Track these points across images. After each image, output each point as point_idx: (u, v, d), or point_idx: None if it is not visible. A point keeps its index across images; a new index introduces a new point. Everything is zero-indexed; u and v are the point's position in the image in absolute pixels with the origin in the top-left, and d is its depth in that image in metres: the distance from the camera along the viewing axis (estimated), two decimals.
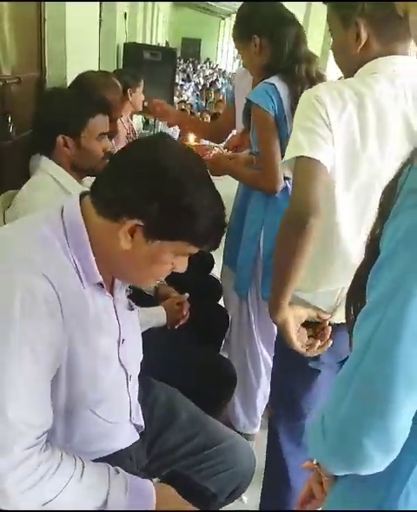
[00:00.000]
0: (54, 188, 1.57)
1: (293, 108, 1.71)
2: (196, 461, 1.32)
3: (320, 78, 1.79)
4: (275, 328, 1.99)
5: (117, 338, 1.11)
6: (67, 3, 2.44)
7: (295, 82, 1.74)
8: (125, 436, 1.22)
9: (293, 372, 1.41)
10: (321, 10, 5.80)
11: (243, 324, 2.10)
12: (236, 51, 2.29)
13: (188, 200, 0.96)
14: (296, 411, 1.46)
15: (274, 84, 1.75)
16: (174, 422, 1.36)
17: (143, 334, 1.66)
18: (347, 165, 1.16)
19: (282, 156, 1.65)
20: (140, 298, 1.88)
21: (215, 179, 1.11)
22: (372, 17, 1.13)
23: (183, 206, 0.96)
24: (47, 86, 2.42)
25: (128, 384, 1.17)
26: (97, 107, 1.66)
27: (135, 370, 1.21)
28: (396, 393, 0.62)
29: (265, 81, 1.78)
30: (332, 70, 1.97)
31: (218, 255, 2.65)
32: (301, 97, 1.19)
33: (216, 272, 2.59)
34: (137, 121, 8.00)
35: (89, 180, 1.75)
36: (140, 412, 1.28)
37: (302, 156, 1.12)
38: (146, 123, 8.83)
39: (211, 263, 2.58)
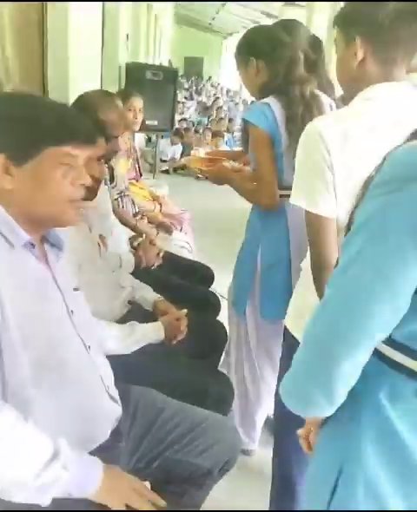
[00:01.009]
0: None
1: (287, 128, 1.78)
2: (184, 444, 1.37)
3: (313, 98, 1.84)
4: (276, 345, 2.04)
5: (65, 309, 1.18)
6: (70, 26, 2.50)
7: (290, 102, 1.81)
8: (106, 410, 1.27)
9: None
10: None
11: (241, 340, 2.12)
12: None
13: (24, 110, 1.08)
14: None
15: (268, 104, 1.81)
16: (158, 417, 1.40)
17: (141, 350, 1.70)
18: (355, 193, 1.20)
19: (276, 172, 1.77)
20: (138, 312, 1.91)
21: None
22: (370, 37, 1.17)
23: (21, 116, 1.07)
24: None
25: (88, 353, 1.23)
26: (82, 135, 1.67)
27: (93, 343, 1.26)
28: (337, 349, 0.75)
29: (261, 101, 1.84)
30: None
31: (219, 271, 2.69)
32: (304, 131, 1.24)
33: (217, 286, 2.62)
34: (139, 138, 8.11)
35: None
36: (114, 388, 1.33)
37: (309, 211, 1.22)
38: (148, 141, 8.93)
39: (211, 278, 2.61)
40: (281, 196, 1.84)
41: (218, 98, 15.77)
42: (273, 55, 1.86)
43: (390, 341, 0.79)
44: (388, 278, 0.72)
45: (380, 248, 0.73)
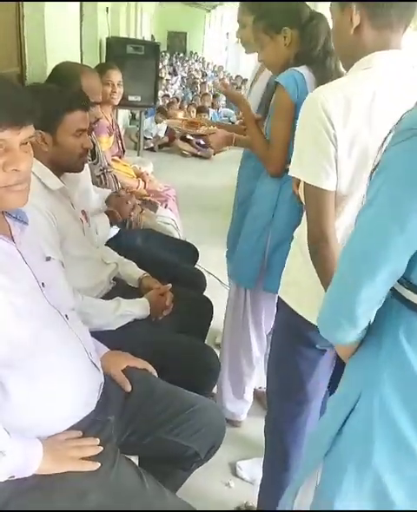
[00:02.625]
0: (37, 187, 1.56)
1: None
2: (174, 425, 1.39)
3: (340, 74, 1.76)
4: (266, 318, 2.05)
5: (36, 282, 1.18)
6: (47, 2, 2.44)
7: (325, 75, 1.75)
8: (90, 377, 1.29)
9: (299, 355, 1.43)
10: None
11: (239, 313, 2.14)
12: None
13: None
14: (301, 397, 1.48)
15: (302, 73, 1.76)
16: (152, 394, 1.43)
17: (127, 325, 1.71)
18: (356, 163, 1.20)
19: (290, 137, 1.68)
20: (123, 289, 1.92)
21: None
22: (365, 4, 1.16)
23: None
24: (28, 82, 2.43)
25: (66, 322, 1.25)
26: (75, 102, 1.65)
27: (68, 311, 1.28)
28: (357, 276, 0.88)
29: (293, 68, 1.78)
30: None
31: (205, 247, 2.69)
32: (305, 102, 1.22)
33: (202, 263, 2.62)
34: (124, 115, 8.00)
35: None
36: (96, 355, 1.35)
37: (309, 184, 1.21)
38: (133, 118, 8.82)
39: (195, 256, 2.61)
40: None
41: (205, 74, 15.56)
42: (310, 25, 1.81)
43: (408, 284, 0.89)
44: (401, 216, 0.82)
45: (397, 188, 0.83)
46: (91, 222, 2.01)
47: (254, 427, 2.12)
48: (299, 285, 1.39)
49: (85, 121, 1.69)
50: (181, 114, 5.91)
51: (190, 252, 2.61)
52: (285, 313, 1.43)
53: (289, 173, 1.27)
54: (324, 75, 1.75)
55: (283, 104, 1.78)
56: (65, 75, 2.14)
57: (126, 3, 7.25)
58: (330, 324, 0.97)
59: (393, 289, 0.92)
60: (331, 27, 1.32)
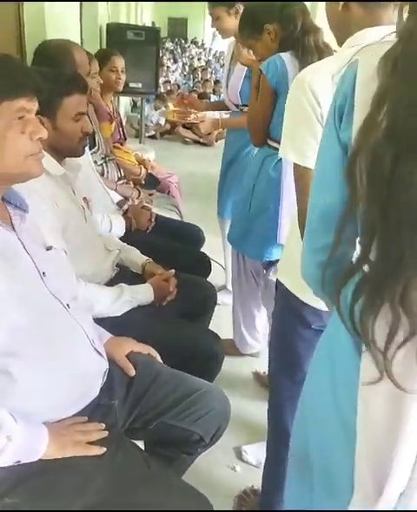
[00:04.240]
0: None
1: None
2: (179, 410, 1.39)
3: (327, 47, 1.92)
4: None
5: (36, 271, 1.18)
6: None
7: (305, 54, 1.89)
8: (94, 365, 1.30)
9: (297, 335, 1.44)
10: None
11: (241, 267, 2.36)
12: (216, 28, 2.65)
13: None
14: (299, 377, 1.47)
15: (281, 56, 1.90)
16: (157, 378, 1.43)
17: (131, 311, 1.71)
18: None
19: (269, 118, 1.99)
20: (127, 275, 1.92)
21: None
22: None
23: None
24: None
25: (68, 311, 1.24)
26: (73, 85, 1.64)
27: (70, 300, 1.27)
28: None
29: (278, 54, 1.92)
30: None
31: (207, 234, 2.69)
32: (294, 80, 1.22)
33: (206, 249, 2.62)
34: (125, 103, 7.95)
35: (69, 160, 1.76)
36: (99, 343, 1.36)
37: (298, 164, 1.22)
38: (134, 106, 8.77)
39: (201, 239, 2.63)
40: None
41: (208, 61, 15.39)
42: (283, 13, 1.96)
43: None
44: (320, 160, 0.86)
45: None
46: (106, 218, 2.05)
47: (258, 411, 2.12)
48: (294, 267, 1.40)
49: (84, 104, 1.69)
50: (171, 105, 5.98)
51: (196, 235, 2.63)
52: (282, 294, 1.45)
53: (279, 154, 1.28)
54: (304, 54, 1.89)
55: (262, 85, 1.96)
56: (56, 52, 2.11)
57: None
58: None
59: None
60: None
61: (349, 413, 0.82)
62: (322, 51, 1.90)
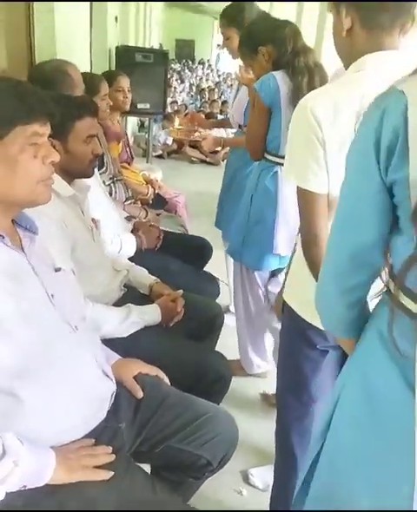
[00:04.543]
0: None
1: (291, 98, 2.00)
2: (187, 433, 1.38)
3: (318, 67, 2.06)
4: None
5: (45, 293, 1.17)
6: (56, 10, 2.46)
7: (295, 74, 2.02)
8: (101, 388, 1.29)
9: (303, 356, 1.45)
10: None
11: (244, 284, 2.37)
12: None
13: None
14: (305, 397, 1.49)
15: (274, 76, 2.03)
16: (164, 401, 1.42)
17: (138, 332, 1.71)
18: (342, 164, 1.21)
19: (265, 134, 2.10)
20: (134, 296, 1.92)
21: None
22: (355, 5, 1.17)
23: None
24: None
25: (76, 333, 1.23)
26: (84, 109, 1.67)
27: (78, 322, 1.27)
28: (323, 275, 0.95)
29: (271, 73, 2.06)
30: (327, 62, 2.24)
31: (213, 253, 2.69)
32: (297, 106, 1.24)
33: (213, 269, 2.62)
34: (133, 123, 8.03)
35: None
36: (107, 365, 1.35)
37: (301, 187, 1.24)
38: (141, 125, 8.86)
39: (207, 249, 2.67)
40: (277, 164, 2.09)
41: (218, 82, 15.55)
42: (275, 35, 2.09)
43: (403, 288, 0.84)
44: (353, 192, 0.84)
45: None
46: (116, 238, 2.10)
47: (265, 433, 2.10)
48: (300, 288, 1.41)
49: (94, 127, 1.72)
50: (177, 123, 6.08)
51: (201, 245, 2.67)
52: (288, 314, 1.45)
53: (284, 177, 1.33)
54: (294, 74, 2.02)
55: (256, 104, 2.08)
56: (52, 74, 2.15)
57: (135, 11, 7.30)
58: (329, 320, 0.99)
59: (389, 292, 0.89)
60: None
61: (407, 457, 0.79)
62: (313, 71, 2.03)
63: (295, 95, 1.95)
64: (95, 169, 2.00)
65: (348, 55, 1.25)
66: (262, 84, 2.04)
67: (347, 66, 1.28)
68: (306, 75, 2.02)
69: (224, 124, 3.39)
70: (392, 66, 1.19)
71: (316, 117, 1.17)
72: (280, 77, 2.03)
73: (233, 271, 2.54)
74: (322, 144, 1.18)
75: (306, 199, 1.25)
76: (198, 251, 2.60)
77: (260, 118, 2.09)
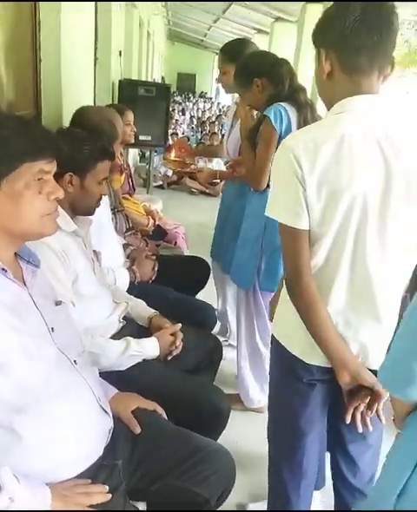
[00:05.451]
0: None
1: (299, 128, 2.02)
2: (184, 469, 1.36)
3: (312, 104, 2.17)
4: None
5: (45, 327, 1.17)
6: (62, 44, 2.52)
7: (300, 107, 2.13)
8: (98, 423, 1.28)
9: (291, 389, 1.45)
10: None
11: (251, 311, 2.39)
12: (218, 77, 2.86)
13: None
14: (297, 432, 1.48)
15: (285, 107, 2.10)
16: (162, 436, 1.40)
17: (136, 365, 1.70)
18: (325, 203, 1.23)
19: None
20: (133, 328, 1.91)
21: None
22: (334, 48, 1.23)
23: None
24: (43, 123, 2.49)
25: (75, 367, 1.23)
26: (106, 152, 1.75)
27: (77, 356, 1.27)
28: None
29: (278, 103, 2.12)
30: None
31: (212, 284, 2.69)
32: (280, 145, 1.28)
33: (211, 300, 2.61)
34: (134, 154, 8.13)
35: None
36: (105, 400, 1.34)
37: (283, 223, 1.27)
38: (142, 156, 8.96)
39: (206, 268, 2.72)
40: None
41: (219, 116, 15.79)
42: (272, 70, 2.18)
43: None
44: None
45: None
46: (110, 272, 2.10)
47: (263, 468, 2.07)
48: (287, 322, 1.43)
49: (107, 171, 1.79)
50: (173, 155, 6.16)
51: (201, 267, 2.72)
52: (276, 348, 1.46)
53: (266, 213, 1.32)
54: (300, 108, 2.12)
55: (269, 135, 2.11)
56: (100, 123, 2.30)
57: (138, 47, 7.47)
58: (400, 378, 0.97)
59: None
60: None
61: None
62: (312, 107, 2.15)
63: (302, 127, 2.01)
64: (106, 197, 2.06)
65: (330, 98, 1.30)
66: (275, 113, 2.08)
67: (328, 108, 1.32)
68: (309, 110, 2.12)
69: (211, 152, 3.66)
70: (370, 109, 1.23)
71: (296, 156, 1.21)
72: (288, 108, 2.10)
73: (237, 300, 2.53)
74: (302, 182, 1.21)
75: (289, 235, 1.28)
76: (196, 270, 2.69)
77: (270, 146, 2.11)
